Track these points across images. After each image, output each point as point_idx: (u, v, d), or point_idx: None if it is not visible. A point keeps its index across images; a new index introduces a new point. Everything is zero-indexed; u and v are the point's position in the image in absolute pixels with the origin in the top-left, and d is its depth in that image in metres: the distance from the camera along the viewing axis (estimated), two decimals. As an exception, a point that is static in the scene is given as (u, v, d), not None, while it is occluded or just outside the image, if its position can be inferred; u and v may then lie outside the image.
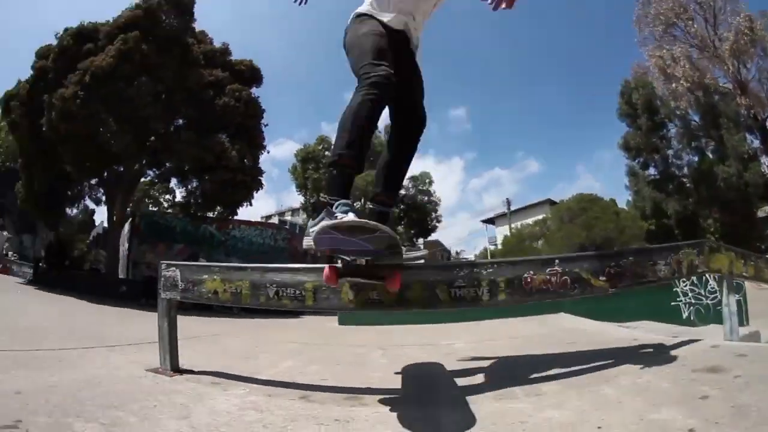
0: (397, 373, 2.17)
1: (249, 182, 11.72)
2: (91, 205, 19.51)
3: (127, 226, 16.21)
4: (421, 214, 27.79)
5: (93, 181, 11.70)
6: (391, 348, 3.21)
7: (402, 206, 27.00)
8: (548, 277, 1.62)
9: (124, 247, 17.65)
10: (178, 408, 1.37)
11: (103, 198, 12.09)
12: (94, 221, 30.61)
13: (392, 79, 1.35)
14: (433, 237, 30.07)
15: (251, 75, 12.13)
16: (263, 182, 12.26)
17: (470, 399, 1.44)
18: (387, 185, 1.63)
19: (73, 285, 9.45)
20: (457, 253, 39.66)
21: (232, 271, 1.93)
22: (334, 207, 1.24)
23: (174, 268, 2.01)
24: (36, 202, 10.81)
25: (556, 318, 4.61)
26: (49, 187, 10.34)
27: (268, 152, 12.47)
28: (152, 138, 9.57)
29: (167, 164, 11.18)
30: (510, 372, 2.08)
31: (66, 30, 9.86)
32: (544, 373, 1.72)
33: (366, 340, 3.84)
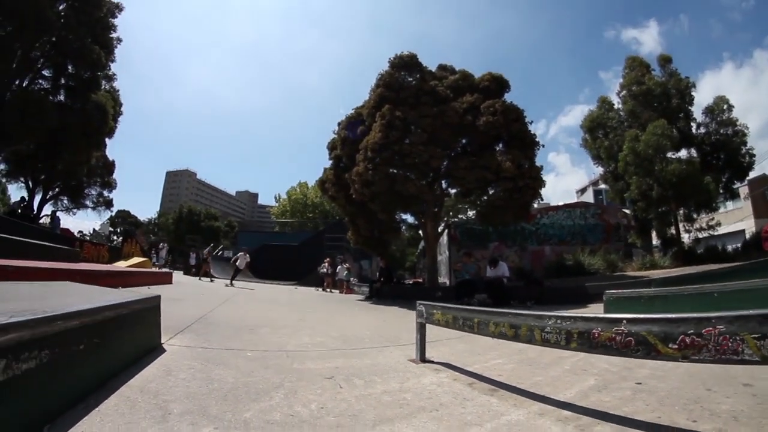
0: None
1: (531, 184, 12.65)
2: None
3: (445, 236, 20.85)
4: (729, 153, 21.64)
5: (406, 216, 16.00)
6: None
7: (702, 151, 21.78)
8: (613, 335, 1.94)
9: (444, 255, 22.56)
10: (403, 378, 3.01)
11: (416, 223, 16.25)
12: (420, 235, 39.99)
13: None
14: (754, 173, 23.72)
15: (497, 86, 13.36)
16: (544, 180, 13.12)
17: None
18: None
19: (399, 295, 13.04)
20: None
21: (444, 309, 3.42)
22: None
23: (422, 306, 3.71)
24: (364, 243, 16.16)
25: None
26: (371, 230, 15.19)
27: (543, 146, 13.23)
28: (439, 172, 12.37)
29: (455, 189, 13.93)
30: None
31: (339, 124, 15.01)
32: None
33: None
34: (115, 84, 26.21)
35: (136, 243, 21.67)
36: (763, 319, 1.53)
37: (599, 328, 2.05)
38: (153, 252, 24.29)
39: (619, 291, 6.57)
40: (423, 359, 3.63)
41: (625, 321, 1.95)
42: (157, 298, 3.46)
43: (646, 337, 1.83)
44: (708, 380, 2.74)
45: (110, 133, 24.08)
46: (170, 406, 2.15)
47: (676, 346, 1.73)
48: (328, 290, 18.06)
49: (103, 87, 23.72)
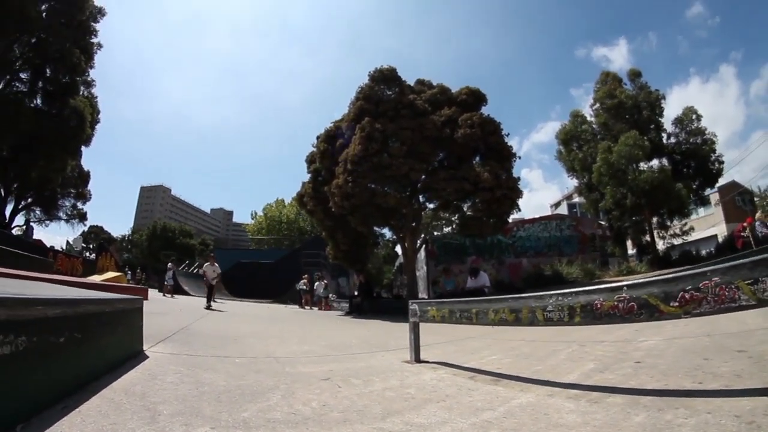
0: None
1: (509, 194, 12.75)
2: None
3: (422, 251, 20.80)
4: (699, 161, 22.54)
5: (384, 230, 15.87)
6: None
7: (673, 160, 22.55)
8: (616, 303, 1.98)
9: (422, 270, 22.46)
10: (402, 377, 2.91)
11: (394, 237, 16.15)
12: (396, 252, 40.13)
13: None
14: (723, 180, 24.79)
15: (474, 100, 13.70)
16: (522, 190, 13.33)
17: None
18: None
19: (380, 309, 12.60)
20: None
21: (439, 304, 3.38)
22: None
23: (415, 305, 3.64)
24: (344, 258, 15.73)
25: None
26: (350, 244, 14.86)
27: (519, 158, 13.40)
28: (418, 185, 12.41)
29: (434, 202, 13.97)
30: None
31: (318, 137, 14.74)
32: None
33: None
34: (93, 90, 25.40)
35: (111, 257, 20.57)
36: (753, 265, 1.58)
37: (601, 299, 2.08)
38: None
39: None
40: (418, 359, 3.52)
41: (625, 287, 2.01)
42: (140, 300, 3.26)
43: (647, 300, 1.88)
44: (703, 352, 2.78)
45: (87, 140, 23.13)
46: (159, 408, 1.97)
47: (677, 304, 1.78)
48: (307, 307, 17.62)
49: (81, 93, 22.90)
